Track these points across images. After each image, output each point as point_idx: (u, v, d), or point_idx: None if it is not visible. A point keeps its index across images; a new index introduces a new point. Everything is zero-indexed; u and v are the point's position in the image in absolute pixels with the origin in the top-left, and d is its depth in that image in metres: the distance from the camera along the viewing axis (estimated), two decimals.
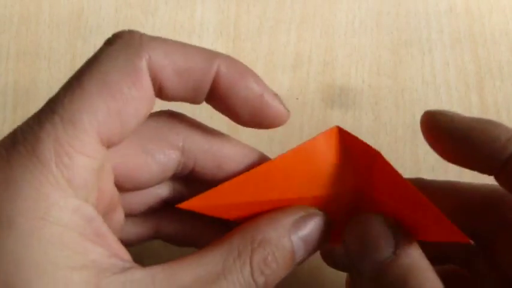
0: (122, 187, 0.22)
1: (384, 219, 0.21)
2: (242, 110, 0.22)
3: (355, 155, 0.23)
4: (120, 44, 0.20)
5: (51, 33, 0.37)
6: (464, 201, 0.23)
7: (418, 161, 0.35)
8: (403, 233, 0.21)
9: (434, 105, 0.36)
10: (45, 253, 0.16)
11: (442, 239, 0.20)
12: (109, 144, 0.19)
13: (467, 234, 0.20)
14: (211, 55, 0.21)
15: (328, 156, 0.23)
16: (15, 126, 0.35)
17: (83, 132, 0.18)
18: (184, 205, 0.21)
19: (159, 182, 0.23)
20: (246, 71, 0.22)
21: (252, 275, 0.20)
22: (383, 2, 0.39)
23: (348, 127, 0.36)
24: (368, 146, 0.22)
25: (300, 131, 0.36)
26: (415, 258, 0.20)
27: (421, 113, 0.36)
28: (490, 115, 0.36)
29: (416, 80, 0.37)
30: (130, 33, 0.21)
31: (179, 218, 0.25)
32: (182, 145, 0.23)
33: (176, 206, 0.21)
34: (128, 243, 0.24)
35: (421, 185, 0.22)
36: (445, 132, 0.22)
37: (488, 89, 0.37)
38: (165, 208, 0.25)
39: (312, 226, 0.22)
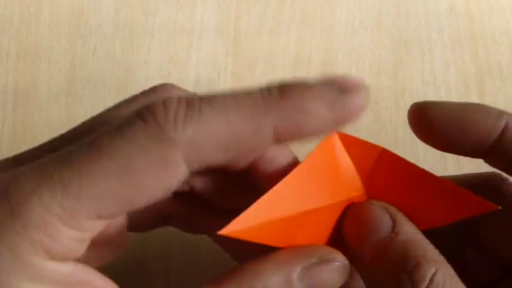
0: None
1: (380, 203, 0.21)
2: (318, 131, 0.20)
3: (359, 156, 0.22)
4: (152, 125, 0.17)
5: (51, 33, 0.37)
6: None
7: (418, 161, 0.35)
8: (399, 214, 0.21)
9: None
10: None
11: (471, 213, 0.20)
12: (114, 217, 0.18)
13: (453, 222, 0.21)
14: (259, 113, 0.18)
15: (334, 163, 0.22)
16: (15, 126, 0.35)
17: (80, 214, 0.16)
18: (225, 232, 0.18)
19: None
20: (302, 101, 0.19)
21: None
22: (383, 2, 0.39)
23: (348, 127, 0.36)
24: (371, 144, 0.22)
25: None
26: (414, 233, 0.20)
27: None
28: None
29: (416, 80, 0.37)
30: (166, 108, 0.17)
31: (188, 204, 0.23)
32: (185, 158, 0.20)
33: (218, 233, 0.18)
34: (137, 230, 0.23)
35: None
36: (437, 121, 0.22)
37: (488, 89, 0.37)
38: (174, 195, 0.21)
39: (325, 276, 0.20)
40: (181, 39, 0.38)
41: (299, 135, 0.19)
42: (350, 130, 0.36)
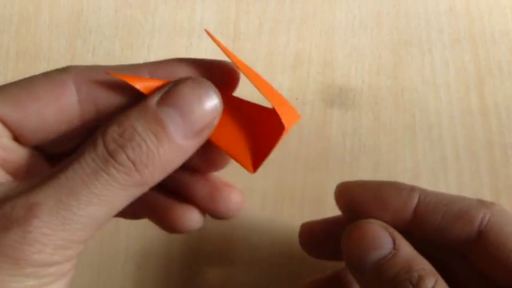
0: (24, 138, 0.22)
1: (379, 221, 0.23)
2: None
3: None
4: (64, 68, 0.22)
5: (51, 34, 0.37)
6: (448, 210, 0.24)
7: (418, 161, 0.35)
8: (396, 232, 0.23)
9: (434, 105, 0.36)
10: None
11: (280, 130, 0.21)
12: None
13: (449, 241, 0.23)
14: (136, 64, 0.23)
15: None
16: None
17: None
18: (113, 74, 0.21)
19: (66, 127, 0.22)
20: (170, 61, 0.23)
21: (107, 148, 0.19)
22: (383, 2, 0.39)
23: (348, 127, 0.36)
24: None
25: (299, 131, 0.36)
26: (412, 250, 0.22)
27: (421, 113, 0.36)
28: (490, 115, 0.36)
29: (416, 80, 0.37)
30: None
31: None
32: (76, 83, 0.22)
33: (106, 72, 0.21)
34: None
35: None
36: (359, 197, 0.25)
37: (488, 89, 0.37)
38: None
39: (185, 91, 0.20)
40: (181, 39, 0.38)
41: None
42: (350, 130, 0.36)
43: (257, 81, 0.22)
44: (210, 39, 0.38)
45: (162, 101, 0.20)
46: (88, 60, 0.37)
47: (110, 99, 0.21)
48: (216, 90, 0.21)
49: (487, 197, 0.34)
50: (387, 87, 0.37)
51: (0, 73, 0.37)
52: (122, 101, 0.22)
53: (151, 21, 0.38)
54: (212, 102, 0.20)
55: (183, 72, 0.22)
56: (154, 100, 0.20)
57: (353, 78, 0.37)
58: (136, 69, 0.22)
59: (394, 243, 0.22)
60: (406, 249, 0.22)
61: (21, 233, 0.18)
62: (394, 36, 0.38)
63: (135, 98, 0.21)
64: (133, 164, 0.19)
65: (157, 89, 0.20)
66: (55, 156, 0.23)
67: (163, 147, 0.19)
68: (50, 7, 0.38)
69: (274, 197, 0.34)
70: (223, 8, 0.38)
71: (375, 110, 0.36)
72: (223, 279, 0.33)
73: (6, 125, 0.21)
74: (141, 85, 0.21)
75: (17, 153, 0.21)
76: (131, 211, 0.24)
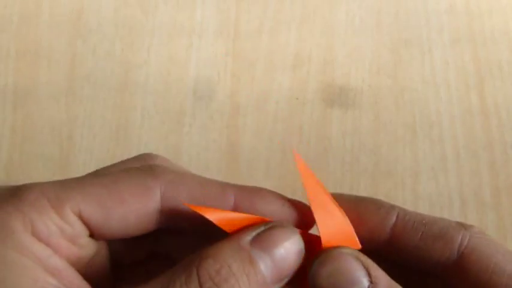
0: (101, 236, 0.22)
1: (351, 251, 0.22)
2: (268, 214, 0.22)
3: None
4: (145, 167, 0.22)
5: (51, 33, 0.37)
6: (426, 230, 0.23)
7: (418, 161, 0.35)
8: (369, 260, 0.22)
9: (434, 105, 0.36)
10: None
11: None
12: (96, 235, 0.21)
13: (427, 262, 0.22)
14: (225, 185, 0.22)
15: None
16: (15, 126, 0.35)
17: (65, 201, 0.20)
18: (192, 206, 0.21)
19: (141, 232, 0.22)
20: (257, 191, 0.23)
21: (201, 284, 0.19)
22: (383, 1, 0.39)
23: (348, 127, 0.36)
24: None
25: (299, 131, 0.36)
26: (389, 280, 0.21)
27: (421, 112, 0.36)
28: (490, 115, 0.36)
29: (416, 80, 0.37)
30: (159, 158, 0.23)
31: (175, 238, 0.25)
32: (161, 191, 0.22)
33: (183, 203, 0.21)
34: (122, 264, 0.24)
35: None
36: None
37: (488, 89, 0.37)
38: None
39: (277, 237, 0.20)
40: (181, 39, 0.38)
41: (252, 207, 0.22)
42: (350, 130, 0.36)
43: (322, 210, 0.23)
44: (210, 39, 0.38)
45: (255, 243, 0.20)
46: (88, 59, 0.37)
47: (192, 215, 0.21)
48: (300, 237, 0.21)
49: (487, 196, 0.35)
50: (387, 86, 0.37)
51: (0, 73, 0.37)
52: (205, 219, 0.21)
53: (152, 21, 0.38)
54: (299, 250, 0.21)
55: (267, 206, 0.22)
56: (247, 240, 0.20)
57: (353, 78, 0.37)
58: (224, 189, 0.22)
59: (370, 275, 0.21)
60: (384, 280, 0.21)
61: None
62: (394, 35, 0.38)
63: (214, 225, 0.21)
64: None
65: (244, 226, 0.21)
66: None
67: None
68: (50, 6, 0.38)
69: None
70: (223, 8, 0.38)
71: (375, 109, 0.36)
72: None
73: (87, 224, 0.20)
74: (217, 218, 0.21)
75: (91, 249, 0.21)
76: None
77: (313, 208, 0.22)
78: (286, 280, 0.21)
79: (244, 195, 0.22)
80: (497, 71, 0.37)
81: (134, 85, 0.36)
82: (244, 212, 0.22)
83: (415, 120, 0.36)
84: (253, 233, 0.20)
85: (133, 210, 0.20)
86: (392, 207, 0.23)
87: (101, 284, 0.22)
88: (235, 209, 0.22)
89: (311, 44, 0.38)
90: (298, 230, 0.21)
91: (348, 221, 0.22)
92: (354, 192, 0.35)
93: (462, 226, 0.22)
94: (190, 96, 0.36)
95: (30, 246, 0.19)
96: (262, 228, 0.21)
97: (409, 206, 0.34)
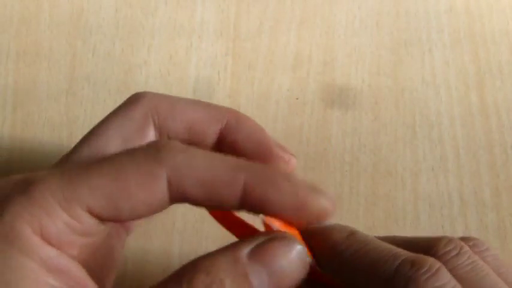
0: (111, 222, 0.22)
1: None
2: (280, 208, 0.21)
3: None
4: (152, 149, 0.21)
5: (51, 33, 0.37)
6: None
7: (418, 161, 0.35)
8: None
9: (434, 105, 0.36)
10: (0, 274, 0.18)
11: None
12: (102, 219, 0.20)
13: None
14: (236, 167, 0.21)
15: None
16: (15, 126, 0.35)
17: (74, 201, 0.19)
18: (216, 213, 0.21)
19: (154, 213, 0.22)
20: (273, 175, 0.21)
21: None
22: (383, 2, 0.39)
23: (348, 127, 0.36)
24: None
25: (300, 131, 0.36)
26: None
27: (421, 113, 0.36)
28: (490, 115, 0.36)
29: (416, 80, 0.37)
30: (168, 142, 0.21)
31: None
32: (168, 177, 0.21)
33: (210, 212, 0.21)
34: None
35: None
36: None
37: (488, 89, 0.37)
38: None
39: (277, 253, 0.20)
40: (181, 39, 0.38)
41: (263, 200, 0.21)
42: (350, 130, 0.36)
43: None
44: (210, 39, 0.38)
45: (252, 256, 0.19)
46: (88, 60, 0.37)
47: (201, 198, 0.21)
48: (305, 248, 0.20)
49: (487, 196, 0.35)
50: (387, 87, 0.37)
51: (0, 73, 0.37)
52: (214, 202, 0.21)
53: (152, 21, 0.38)
54: (301, 263, 0.20)
55: (283, 199, 0.21)
56: (244, 252, 0.19)
57: (353, 78, 0.37)
58: (234, 173, 0.21)
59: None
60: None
61: None
62: (394, 36, 0.38)
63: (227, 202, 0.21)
64: None
65: (247, 235, 0.20)
66: None
67: None
68: (50, 7, 0.38)
69: None
70: (223, 8, 0.38)
71: (375, 110, 0.36)
72: None
73: (97, 217, 0.20)
74: (237, 230, 0.21)
75: (101, 235, 0.21)
76: None
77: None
78: None
79: (255, 182, 0.20)
80: (497, 71, 0.37)
81: (134, 85, 0.37)
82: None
83: (415, 120, 0.36)
84: (252, 245, 0.20)
85: (141, 200, 0.20)
86: (351, 234, 0.22)
87: (110, 265, 0.22)
88: (244, 196, 0.21)
89: (311, 44, 0.38)
90: (302, 245, 0.20)
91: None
92: (354, 192, 0.35)
93: (411, 265, 0.20)
94: (190, 96, 0.36)
95: (36, 248, 0.19)
96: (261, 240, 0.20)
97: (409, 206, 0.34)
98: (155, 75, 0.37)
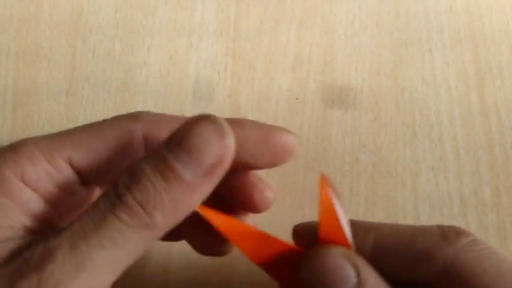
0: (93, 182, 0.23)
1: (340, 250, 0.21)
2: (246, 143, 0.22)
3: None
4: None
5: (51, 33, 0.37)
6: (406, 254, 0.22)
7: (418, 161, 0.35)
8: (361, 261, 0.21)
9: (434, 105, 0.36)
10: None
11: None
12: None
13: (412, 279, 0.21)
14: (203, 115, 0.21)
15: None
16: (15, 126, 0.35)
17: (56, 151, 0.21)
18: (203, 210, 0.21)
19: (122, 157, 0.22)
20: (236, 120, 0.23)
21: (115, 191, 0.19)
22: (383, 2, 0.39)
23: (348, 127, 0.36)
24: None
25: (299, 131, 0.36)
26: (378, 282, 0.21)
27: (421, 113, 0.36)
28: (490, 115, 0.36)
29: (416, 80, 0.37)
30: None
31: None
32: (144, 131, 0.23)
33: (200, 208, 0.21)
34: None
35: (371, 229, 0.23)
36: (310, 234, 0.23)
37: (488, 89, 0.37)
38: None
39: (192, 130, 0.19)
40: (181, 39, 0.38)
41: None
42: (350, 130, 0.36)
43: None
44: (210, 39, 0.38)
45: (169, 142, 0.19)
46: (88, 60, 0.37)
47: None
48: (227, 126, 0.20)
49: (487, 196, 0.35)
50: (387, 87, 0.37)
51: (0, 73, 0.37)
52: None
53: (152, 21, 0.38)
54: (220, 137, 0.19)
55: (246, 133, 0.22)
56: (162, 145, 0.20)
57: (353, 78, 0.37)
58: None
59: (359, 276, 0.20)
60: (372, 279, 0.21)
61: (36, 281, 0.18)
62: (394, 36, 0.38)
63: None
64: (141, 205, 0.19)
65: (237, 229, 0.22)
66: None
67: (171, 187, 0.19)
68: (50, 7, 0.38)
69: None
70: (223, 8, 0.38)
71: (375, 110, 0.36)
72: (222, 272, 0.33)
73: (77, 170, 0.21)
74: (221, 223, 0.22)
75: (81, 196, 0.22)
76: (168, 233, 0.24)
77: (321, 212, 0.22)
78: (218, 171, 0.19)
79: None
80: (497, 71, 0.37)
81: (134, 85, 0.37)
82: None
83: (415, 120, 0.36)
84: (167, 137, 0.20)
85: (119, 151, 0.22)
86: (367, 231, 0.22)
87: None
88: None
89: (311, 44, 0.38)
90: (224, 122, 0.20)
91: (345, 228, 0.22)
92: (354, 192, 0.35)
93: (446, 240, 0.21)
94: (190, 96, 0.36)
95: (17, 190, 0.20)
96: (182, 125, 0.20)
97: (409, 206, 0.34)
98: (155, 75, 0.37)
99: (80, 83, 0.36)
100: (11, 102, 0.36)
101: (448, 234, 0.22)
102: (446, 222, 0.34)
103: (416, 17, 0.38)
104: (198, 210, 0.21)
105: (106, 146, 0.21)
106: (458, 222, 0.34)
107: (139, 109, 0.36)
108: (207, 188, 0.20)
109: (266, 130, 0.22)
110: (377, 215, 0.34)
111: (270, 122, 0.36)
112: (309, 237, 0.23)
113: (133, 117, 0.22)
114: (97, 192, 0.24)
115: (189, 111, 0.36)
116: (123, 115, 0.23)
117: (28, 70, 0.37)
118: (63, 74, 0.37)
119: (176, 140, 0.19)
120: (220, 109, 0.36)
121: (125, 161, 0.22)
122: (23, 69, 0.37)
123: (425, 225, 0.23)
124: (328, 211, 0.22)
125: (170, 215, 0.19)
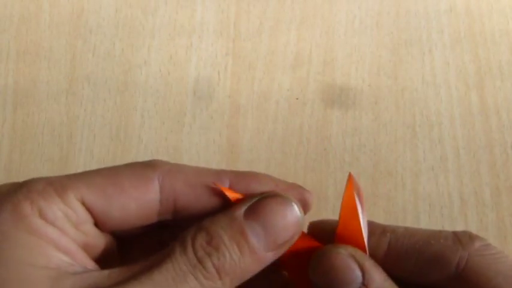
0: (105, 224, 0.23)
1: (348, 251, 0.22)
2: None
3: None
4: (148, 163, 0.23)
5: (51, 33, 0.37)
6: (420, 256, 0.22)
7: (418, 161, 0.35)
8: (369, 262, 0.21)
9: (434, 105, 0.36)
10: (12, 252, 0.20)
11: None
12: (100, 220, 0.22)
13: (425, 282, 0.22)
14: (221, 171, 0.23)
15: None
16: (15, 126, 0.35)
17: (69, 189, 0.21)
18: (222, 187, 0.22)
19: (144, 222, 0.23)
20: (252, 175, 0.23)
21: (196, 254, 0.20)
22: (383, 2, 0.39)
23: (348, 127, 0.36)
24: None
25: (299, 131, 0.36)
26: (383, 281, 0.21)
27: (421, 113, 0.36)
28: (490, 115, 0.36)
29: (416, 80, 0.37)
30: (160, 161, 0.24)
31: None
32: (160, 181, 0.23)
33: (213, 183, 0.22)
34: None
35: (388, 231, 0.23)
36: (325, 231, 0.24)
37: (488, 89, 0.37)
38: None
39: (269, 206, 0.21)
40: (181, 39, 0.38)
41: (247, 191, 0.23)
42: (350, 130, 0.36)
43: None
44: (210, 39, 0.38)
45: (248, 214, 0.21)
46: (88, 60, 0.37)
47: (190, 202, 0.23)
48: (299, 205, 0.22)
49: (487, 196, 0.35)
50: (387, 87, 0.37)
51: (0, 73, 0.37)
52: (202, 204, 0.23)
53: (152, 21, 0.38)
54: (295, 217, 0.21)
55: (261, 188, 0.23)
56: (241, 212, 0.21)
57: (353, 78, 0.37)
58: (219, 174, 0.23)
59: (364, 276, 0.21)
60: (378, 281, 0.21)
61: None
62: (394, 36, 0.38)
63: (215, 203, 0.22)
64: (217, 271, 0.20)
65: (243, 199, 0.22)
66: (125, 240, 0.24)
67: (244, 258, 0.20)
68: (50, 7, 0.38)
69: None
70: (223, 8, 0.38)
71: (375, 110, 0.36)
72: None
73: (91, 212, 0.21)
74: (234, 197, 0.22)
75: (97, 239, 0.22)
76: None
77: (342, 211, 0.23)
78: (285, 247, 0.21)
79: (238, 179, 0.23)
80: (497, 71, 0.37)
81: (134, 85, 0.37)
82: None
83: (415, 120, 0.36)
84: (247, 204, 0.21)
85: (134, 198, 0.21)
86: (383, 232, 0.23)
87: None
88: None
89: (311, 44, 0.38)
90: (294, 200, 0.22)
91: (363, 230, 0.23)
92: None
93: (460, 244, 0.22)
94: (190, 96, 0.36)
95: (40, 228, 0.20)
96: (256, 199, 0.21)
97: (409, 206, 0.34)
98: (155, 75, 0.37)
99: (80, 82, 0.36)
100: (11, 102, 0.36)
101: (461, 238, 0.22)
102: (446, 222, 0.34)
103: (417, 17, 0.38)
104: (222, 189, 0.22)
105: (120, 192, 0.21)
106: (458, 222, 0.34)
107: (139, 109, 0.36)
108: (272, 259, 0.21)
109: (282, 188, 0.23)
110: (377, 215, 0.34)
111: (270, 122, 0.36)
112: (325, 234, 0.24)
113: (150, 165, 0.22)
114: (107, 237, 0.24)
115: (189, 111, 0.36)
116: (139, 162, 0.23)
117: (28, 70, 0.37)
118: (63, 74, 0.37)
119: (254, 213, 0.21)
120: (220, 109, 0.36)
121: (140, 209, 0.22)
122: (23, 69, 0.37)
123: (440, 230, 0.23)
124: (349, 211, 0.23)
125: (237, 280, 0.21)
